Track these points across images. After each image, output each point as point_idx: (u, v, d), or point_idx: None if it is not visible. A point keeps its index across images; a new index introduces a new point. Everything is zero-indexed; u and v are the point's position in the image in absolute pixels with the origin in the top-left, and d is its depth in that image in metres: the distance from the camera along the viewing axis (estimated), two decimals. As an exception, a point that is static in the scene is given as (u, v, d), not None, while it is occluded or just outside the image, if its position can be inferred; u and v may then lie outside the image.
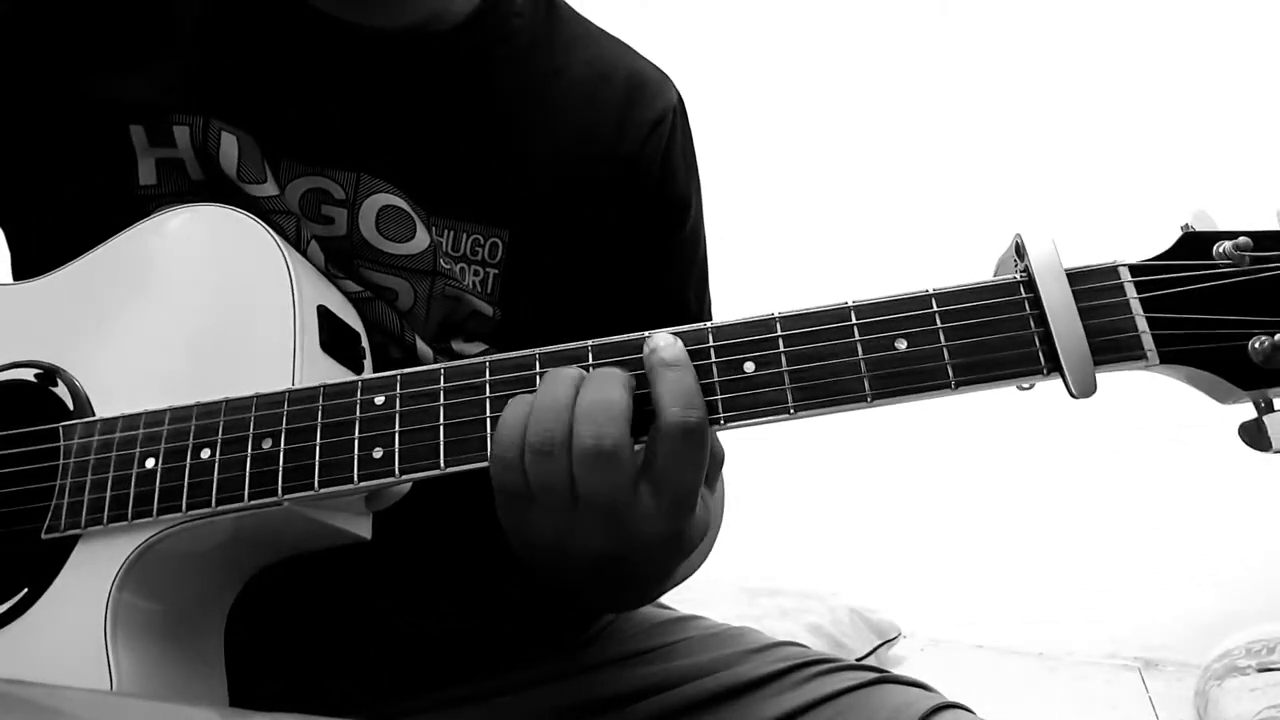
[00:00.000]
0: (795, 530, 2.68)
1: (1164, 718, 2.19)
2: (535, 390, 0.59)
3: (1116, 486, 2.45)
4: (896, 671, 0.87)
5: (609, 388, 0.58)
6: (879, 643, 2.32)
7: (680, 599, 0.88)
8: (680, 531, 0.60)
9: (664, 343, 0.59)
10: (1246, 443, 0.55)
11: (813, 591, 2.39)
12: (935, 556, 2.58)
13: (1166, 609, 2.43)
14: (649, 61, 0.90)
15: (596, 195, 0.83)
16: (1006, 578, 2.53)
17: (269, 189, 0.76)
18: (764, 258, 2.50)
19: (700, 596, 2.17)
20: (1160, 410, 2.24)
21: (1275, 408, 0.55)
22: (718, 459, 0.66)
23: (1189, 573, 2.40)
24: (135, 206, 0.76)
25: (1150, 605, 2.44)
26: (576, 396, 0.58)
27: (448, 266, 0.79)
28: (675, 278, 0.90)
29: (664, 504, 0.58)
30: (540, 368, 0.61)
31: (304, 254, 0.76)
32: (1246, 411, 0.56)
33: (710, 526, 0.65)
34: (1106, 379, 0.56)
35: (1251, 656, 2.02)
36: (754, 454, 2.22)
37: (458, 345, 0.81)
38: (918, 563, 2.59)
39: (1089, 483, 2.47)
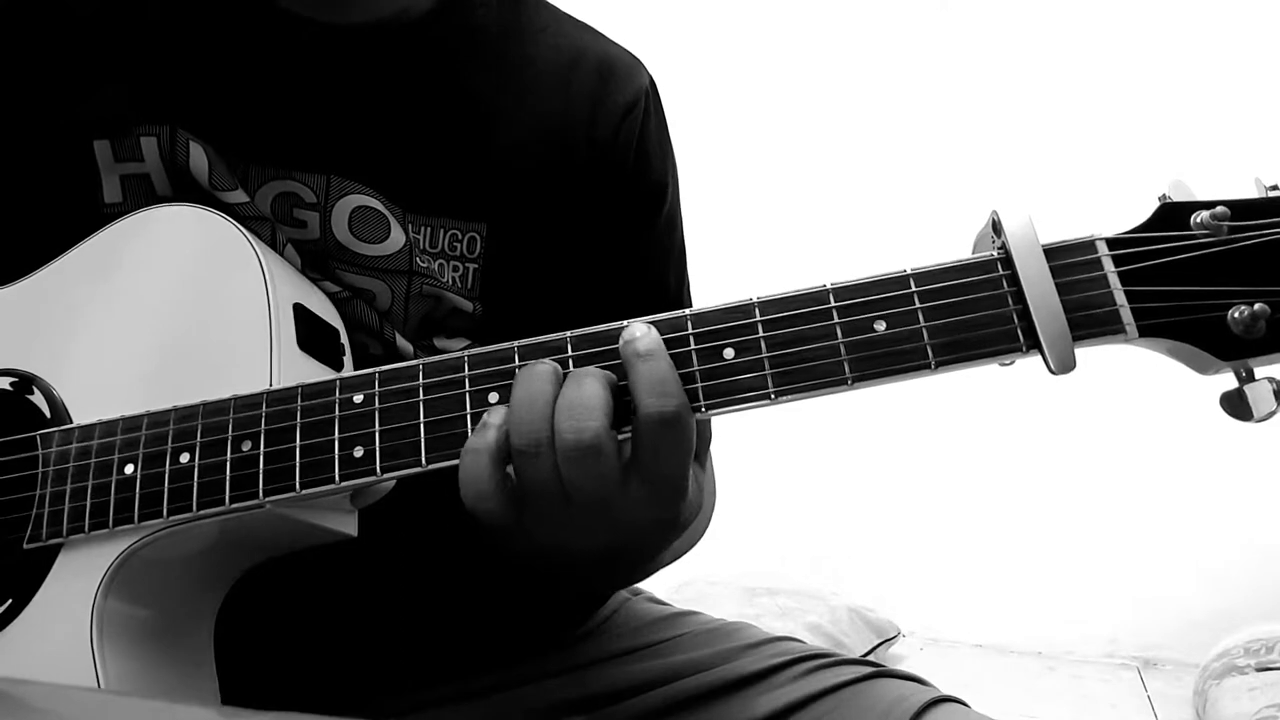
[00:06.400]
0: (794, 529, 2.67)
1: (1163, 717, 2.19)
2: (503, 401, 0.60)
3: (1116, 486, 2.46)
4: (894, 670, 0.87)
5: (586, 383, 0.58)
6: (878, 642, 2.33)
7: (679, 596, 0.87)
8: (676, 515, 0.62)
9: (639, 333, 0.59)
10: (1228, 412, 0.55)
11: (812, 590, 2.39)
12: (934, 556, 2.58)
13: (1165, 608, 2.43)
14: (619, 46, 0.90)
15: (572, 183, 0.83)
16: (1006, 577, 2.53)
17: (240, 195, 0.75)
18: (742, 241, 2.50)
19: (699, 595, 2.19)
20: (1159, 411, 2.25)
21: (1256, 377, 0.54)
22: (705, 440, 0.68)
23: (1188, 572, 2.40)
24: (102, 225, 0.74)
25: (1149, 604, 2.44)
26: (555, 395, 0.58)
27: (425, 264, 0.79)
28: (655, 262, 0.90)
29: (654, 492, 0.59)
30: (520, 360, 0.60)
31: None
32: (1228, 382, 0.56)
33: (704, 504, 0.67)
34: (1089, 358, 0.56)
35: (1250, 655, 2.02)
36: (753, 453, 2.23)
37: (440, 342, 0.81)
38: (917, 562, 2.58)
39: (1088, 482, 2.48)
